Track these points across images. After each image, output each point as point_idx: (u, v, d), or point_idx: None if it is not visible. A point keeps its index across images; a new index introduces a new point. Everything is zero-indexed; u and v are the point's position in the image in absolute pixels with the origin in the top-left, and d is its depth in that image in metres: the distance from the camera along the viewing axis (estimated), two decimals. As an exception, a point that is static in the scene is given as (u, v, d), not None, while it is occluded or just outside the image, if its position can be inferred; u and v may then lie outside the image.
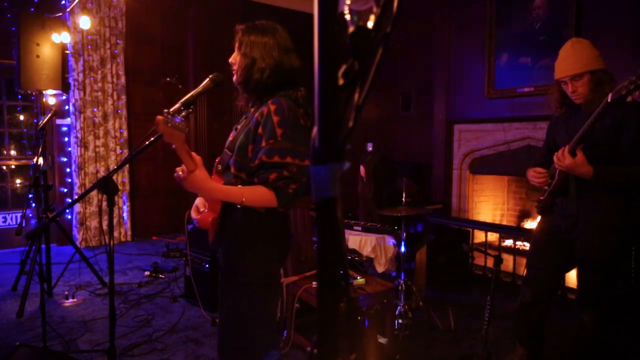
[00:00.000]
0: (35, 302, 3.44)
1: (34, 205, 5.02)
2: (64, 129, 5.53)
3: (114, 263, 2.00)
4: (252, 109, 1.75)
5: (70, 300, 3.68)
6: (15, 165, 5.51)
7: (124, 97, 5.77)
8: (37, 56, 3.99)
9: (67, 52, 4.96)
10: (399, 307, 3.15)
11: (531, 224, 5.19)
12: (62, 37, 4.10)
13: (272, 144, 1.58)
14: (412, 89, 6.05)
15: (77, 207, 5.48)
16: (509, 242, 4.85)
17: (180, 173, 1.57)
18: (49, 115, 3.62)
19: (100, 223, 5.55)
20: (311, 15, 0.51)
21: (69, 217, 5.49)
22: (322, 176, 0.52)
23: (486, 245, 4.36)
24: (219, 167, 1.75)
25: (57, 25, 4.10)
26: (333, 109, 0.52)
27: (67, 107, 5.45)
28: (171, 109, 1.63)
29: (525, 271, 2.55)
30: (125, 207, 5.86)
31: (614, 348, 2.82)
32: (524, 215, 5.45)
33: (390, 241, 3.59)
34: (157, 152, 5.86)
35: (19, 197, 5.50)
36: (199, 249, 3.53)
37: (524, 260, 2.80)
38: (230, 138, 1.77)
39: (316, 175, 0.52)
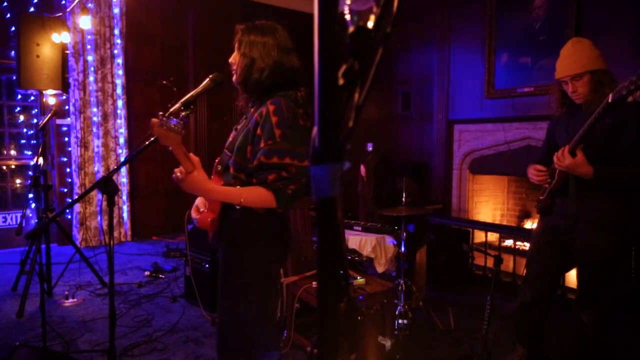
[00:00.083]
0: (35, 302, 3.45)
1: (34, 205, 5.04)
2: (64, 129, 5.53)
3: (114, 263, 2.00)
4: (252, 109, 1.74)
5: (70, 300, 3.68)
6: (15, 165, 5.51)
7: (124, 97, 5.77)
8: (37, 56, 3.99)
9: (67, 52, 4.96)
10: (399, 307, 3.15)
11: (531, 224, 5.19)
12: (62, 37, 4.10)
13: (271, 145, 1.58)
14: (412, 89, 6.05)
15: (77, 207, 5.48)
16: (509, 242, 4.85)
17: (179, 174, 1.57)
18: (49, 115, 3.62)
19: (100, 223, 5.55)
20: (311, 15, 0.51)
21: (69, 217, 5.49)
22: (322, 176, 0.52)
23: (486, 245, 4.36)
24: (219, 167, 1.74)
25: (57, 25, 4.11)
26: (333, 109, 0.52)
27: (67, 107, 5.45)
28: (171, 109, 1.63)
29: (525, 271, 2.55)
30: (125, 207, 5.86)
31: (614, 348, 2.82)
32: (524, 215, 5.45)
33: (390, 241, 3.59)
34: (157, 152, 5.85)
35: (19, 197, 5.50)
36: (199, 249, 3.53)
37: (524, 260, 2.80)
38: (230, 138, 1.77)
39: (316, 175, 0.52)
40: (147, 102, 6.06)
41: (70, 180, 5.51)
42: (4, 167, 5.46)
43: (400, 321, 3.08)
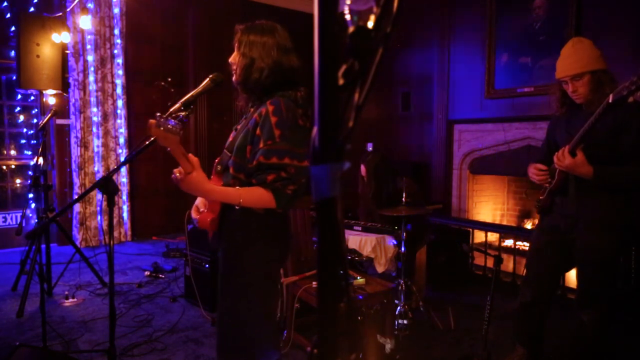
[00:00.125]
0: (35, 302, 3.45)
1: (34, 205, 5.04)
2: (64, 129, 5.53)
3: (114, 263, 2.00)
4: (252, 109, 1.74)
5: (70, 300, 3.68)
6: (15, 165, 5.51)
7: (124, 97, 5.77)
8: (37, 56, 3.99)
9: (67, 52, 4.96)
10: (399, 307, 3.15)
11: (531, 224, 5.19)
12: (62, 37, 4.10)
13: (270, 145, 1.57)
14: (412, 89, 6.05)
15: (77, 207, 5.48)
16: (509, 242, 4.85)
17: (178, 175, 1.57)
18: (49, 115, 3.62)
19: (100, 223, 5.55)
20: (311, 15, 0.51)
21: (69, 217, 5.49)
22: (322, 176, 0.52)
23: (486, 245, 4.36)
24: (218, 167, 1.74)
25: (57, 25, 4.11)
26: (333, 109, 0.52)
27: (67, 107, 5.45)
28: (171, 109, 1.63)
29: (525, 271, 2.55)
30: (125, 207, 5.86)
31: (614, 348, 2.82)
32: (524, 215, 5.45)
33: (390, 241, 3.59)
34: (157, 152, 5.85)
35: (19, 197, 5.50)
36: (199, 249, 3.53)
37: (524, 260, 2.81)
38: (230, 138, 1.77)
39: (316, 175, 0.52)
40: (147, 102, 6.06)
41: (70, 180, 5.51)
42: (4, 167, 5.46)
43: (400, 321, 3.08)
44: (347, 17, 0.53)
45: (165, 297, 3.80)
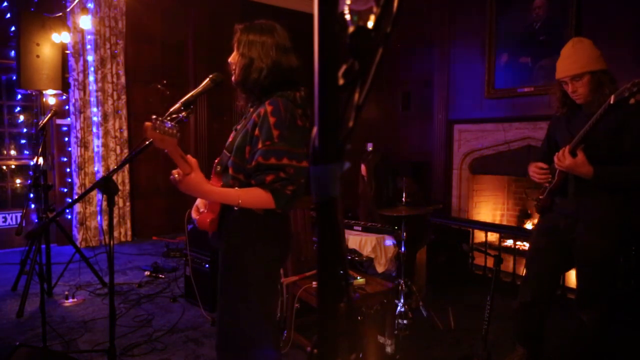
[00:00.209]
0: (35, 302, 3.44)
1: (34, 205, 5.03)
2: (64, 129, 5.53)
3: (114, 263, 2.00)
4: (251, 109, 1.74)
5: (70, 300, 3.68)
6: (15, 165, 5.51)
7: (124, 97, 5.77)
8: (37, 56, 3.99)
9: (67, 52, 4.96)
10: (399, 307, 3.15)
11: (531, 224, 5.19)
12: (62, 37, 4.10)
13: (269, 146, 1.57)
14: (412, 89, 6.05)
15: (77, 207, 5.48)
16: (509, 242, 4.85)
17: (176, 176, 1.56)
18: (49, 115, 3.61)
19: (100, 223, 5.55)
20: (311, 15, 0.51)
21: (69, 217, 5.49)
22: (322, 176, 0.52)
23: (486, 245, 4.36)
24: (218, 168, 1.74)
25: (57, 25, 4.11)
26: (333, 109, 0.52)
27: (67, 107, 5.45)
28: (171, 109, 1.63)
29: (525, 271, 2.55)
30: (125, 207, 5.86)
31: (614, 348, 2.82)
32: (524, 215, 5.45)
33: (390, 241, 3.59)
34: (157, 152, 5.82)
35: (19, 197, 5.50)
36: (199, 249, 3.53)
37: (524, 260, 2.80)
38: (230, 139, 1.77)
39: (316, 175, 0.52)
40: (147, 102, 6.06)
41: (70, 180, 5.51)
42: (4, 167, 5.46)
43: (400, 321, 3.08)
44: (347, 17, 0.53)
45: (165, 297, 3.80)
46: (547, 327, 2.50)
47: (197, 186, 1.56)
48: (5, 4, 5.02)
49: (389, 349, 2.76)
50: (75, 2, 5.13)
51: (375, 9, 0.52)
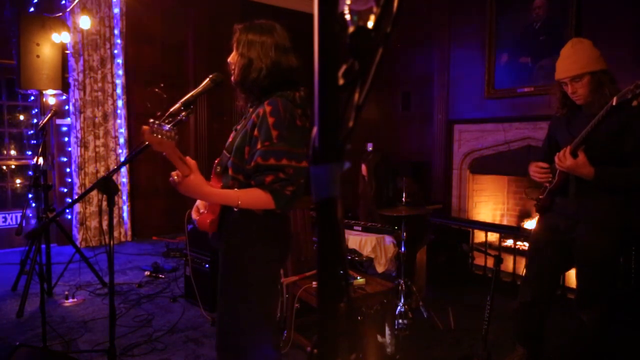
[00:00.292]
0: (35, 302, 3.44)
1: (34, 205, 5.04)
2: (64, 129, 5.54)
3: (114, 263, 2.00)
4: (251, 110, 1.74)
5: (70, 300, 3.68)
6: (15, 165, 5.51)
7: (124, 97, 5.77)
8: (37, 56, 3.99)
9: (67, 52, 4.96)
10: (399, 307, 3.15)
11: (531, 224, 5.19)
12: (62, 37, 4.10)
13: (268, 146, 1.57)
14: (412, 89, 6.05)
15: (77, 207, 5.48)
16: (509, 242, 4.85)
17: (175, 177, 1.56)
18: (49, 115, 3.61)
19: (100, 223, 5.55)
20: (311, 15, 0.51)
21: (69, 217, 5.49)
22: (322, 176, 0.52)
23: (486, 245, 4.36)
24: (218, 168, 1.74)
25: (57, 25, 4.11)
26: (333, 109, 0.52)
27: (67, 107, 5.45)
28: (171, 109, 1.63)
29: (525, 271, 2.55)
30: (125, 207, 5.86)
31: (614, 348, 2.82)
32: (524, 215, 5.45)
33: (390, 241, 3.58)
34: (157, 152, 5.82)
35: (19, 197, 5.50)
36: (199, 249, 3.53)
37: (524, 260, 2.81)
38: (230, 139, 1.77)
39: (316, 175, 0.52)
40: (147, 102, 6.06)
41: (70, 180, 5.51)
42: (4, 167, 5.46)
43: (400, 321, 3.08)
44: (347, 17, 0.53)
45: (165, 297, 3.80)
46: (547, 327, 2.50)
47: (197, 188, 1.56)
48: (5, 4, 5.02)
49: (389, 349, 2.76)
50: (75, 2, 5.13)
51: (375, 9, 0.52)
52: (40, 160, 3.65)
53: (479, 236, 4.72)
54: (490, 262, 4.16)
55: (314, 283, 2.81)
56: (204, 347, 2.94)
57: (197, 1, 6.20)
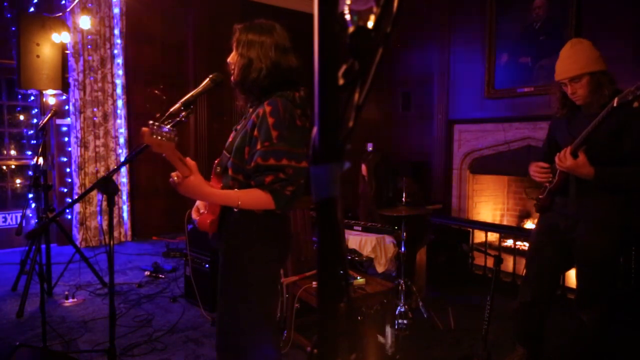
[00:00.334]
0: (35, 302, 3.44)
1: (34, 205, 5.04)
2: (64, 129, 5.53)
3: (114, 263, 2.00)
4: (250, 110, 1.74)
5: (70, 300, 3.68)
6: (15, 165, 5.51)
7: (124, 97, 5.77)
8: (37, 56, 3.99)
9: (67, 52, 4.96)
10: (399, 307, 3.15)
11: (531, 224, 5.19)
12: (62, 37, 4.10)
13: (268, 147, 1.57)
14: (412, 89, 6.05)
15: (77, 207, 5.48)
16: (509, 242, 4.85)
17: (175, 178, 1.56)
18: (49, 115, 3.61)
19: (100, 223, 5.55)
20: (311, 15, 0.51)
21: (69, 217, 5.49)
22: (322, 176, 0.52)
23: (486, 245, 4.36)
24: (218, 169, 1.74)
25: (57, 25, 4.11)
26: (333, 109, 0.52)
27: (67, 107, 5.45)
28: (171, 109, 1.63)
29: (525, 271, 2.55)
30: (125, 207, 5.86)
31: (614, 348, 2.82)
32: (524, 215, 5.45)
33: (390, 241, 3.58)
34: (157, 153, 5.83)
35: (19, 197, 5.50)
36: (199, 249, 3.53)
37: (524, 260, 2.81)
38: (230, 139, 1.76)
39: (316, 175, 0.52)
40: (147, 102, 6.06)
41: (70, 180, 5.51)
42: (4, 167, 5.46)
43: (400, 321, 3.08)
44: (347, 17, 0.53)
45: (165, 297, 3.80)
46: (547, 327, 2.50)
47: (197, 189, 1.56)
48: (5, 4, 5.02)
49: (389, 349, 2.76)
50: (75, 2, 5.13)
51: (375, 9, 0.52)
52: (40, 160, 3.65)
53: (479, 236, 4.72)
54: (490, 262, 4.16)
55: (314, 283, 2.81)
56: (204, 347, 2.94)
57: (197, 1, 6.20)
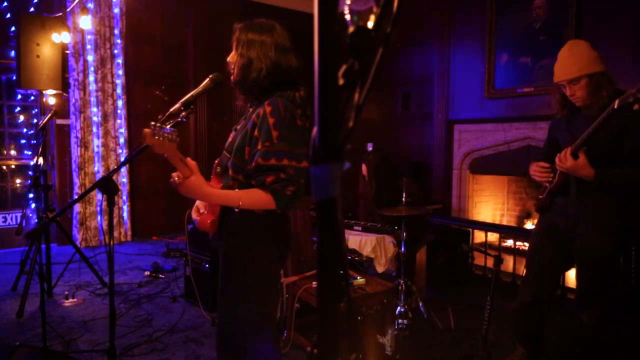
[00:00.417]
0: (35, 302, 3.44)
1: (34, 205, 5.04)
2: (64, 129, 5.53)
3: (114, 263, 2.00)
4: (250, 110, 1.74)
5: (70, 300, 3.68)
6: (15, 165, 5.51)
7: (124, 97, 5.77)
8: (37, 56, 3.99)
9: (67, 52, 4.96)
10: (399, 307, 3.15)
11: (531, 224, 5.19)
12: (62, 37, 4.10)
13: (268, 147, 1.56)
14: (412, 89, 6.05)
15: (77, 207, 5.48)
16: (509, 242, 4.85)
17: (176, 179, 1.56)
18: (49, 115, 3.61)
19: (100, 223, 5.55)
20: (311, 15, 0.51)
21: (69, 217, 5.49)
22: (322, 176, 0.52)
23: (486, 245, 4.36)
24: (218, 169, 1.74)
25: (57, 25, 4.11)
26: (333, 109, 0.52)
27: (67, 107, 5.45)
28: (171, 109, 1.63)
29: (525, 271, 2.56)
30: (125, 207, 5.86)
31: (614, 348, 2.82)
32: (524, 215, 5.45)
33: (390, 241, 3.58)
34: (158, 154, 5.83)
35: (19, 197, 5.50)
36: (199, 249, 3.53)
37: (524, 260, 2.81)
38: (230, 139, 1.76)
39: (316, 175, 0.52)
40: (147, 102, 6.06)
41: (70, 180, 5.51)
42: (4, 167, 5.46)
43: (400, 321, 3.08)
44: (347, 17, 0.53)
45: (165, 297, 3.80)
46: (547, 327, 2.50)
47: (197, 189, 1.56)
48: (5, 4, 5.02)
49: (389, 349, 2.76)
50: (75, 2, 5.13)
51: (375, 9, 0.52)
52: (40, 160, 3.65)
53: (479, 236, 4.72)
54: (490, 262, 4.16)
55: (314, 283, 2.81)
56: (204, 347, 2.94)
57: (197, 1, 6.20)
